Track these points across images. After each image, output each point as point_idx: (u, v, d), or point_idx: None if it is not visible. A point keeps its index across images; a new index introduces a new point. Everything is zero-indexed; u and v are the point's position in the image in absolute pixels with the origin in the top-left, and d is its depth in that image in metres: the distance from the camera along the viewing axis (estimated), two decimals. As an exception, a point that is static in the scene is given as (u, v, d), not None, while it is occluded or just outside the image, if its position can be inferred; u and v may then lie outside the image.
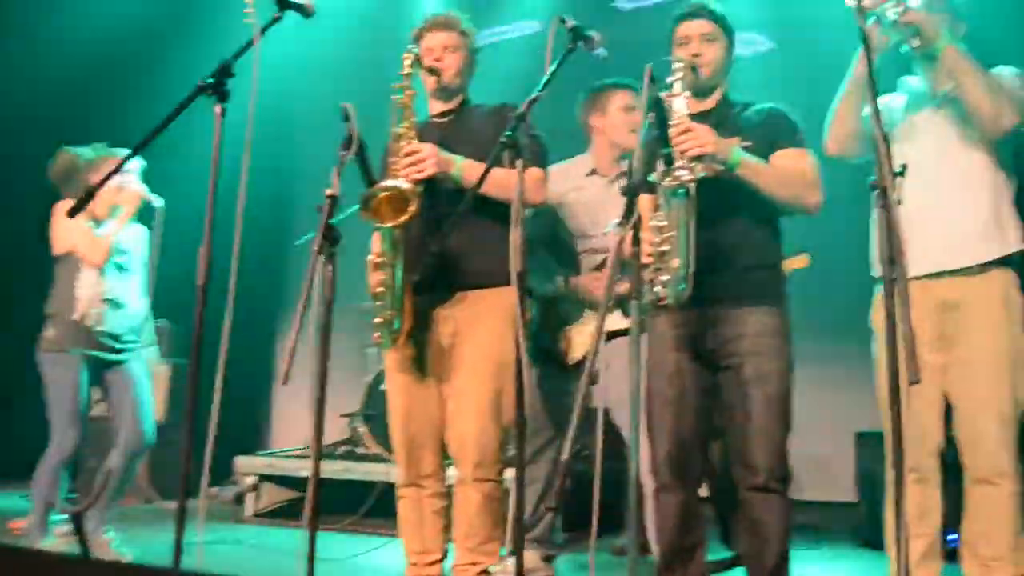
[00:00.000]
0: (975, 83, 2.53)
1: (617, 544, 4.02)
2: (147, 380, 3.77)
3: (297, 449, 5.19)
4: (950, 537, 2.71)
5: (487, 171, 2.18)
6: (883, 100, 2.82)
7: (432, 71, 2.79)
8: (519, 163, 2.14)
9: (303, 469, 4.71)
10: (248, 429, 6.22)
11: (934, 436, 2.63)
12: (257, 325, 6.12)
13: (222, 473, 5.04)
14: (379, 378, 4.85)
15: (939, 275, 2.61)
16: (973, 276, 2.60)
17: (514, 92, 3.08)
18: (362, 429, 4.78)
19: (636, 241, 1.94)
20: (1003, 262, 2.62)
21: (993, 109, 2.52)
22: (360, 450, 4.82)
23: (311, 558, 2.17)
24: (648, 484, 2.96)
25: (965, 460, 2.59)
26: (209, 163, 2.22)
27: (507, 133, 2.14)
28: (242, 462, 4.84)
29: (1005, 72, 2.63)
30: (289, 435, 6.10)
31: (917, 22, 2.56)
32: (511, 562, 3.40)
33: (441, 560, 2.80)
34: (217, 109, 2.23)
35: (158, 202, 3.69)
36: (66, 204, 3.49)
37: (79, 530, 3.44)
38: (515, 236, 2.05)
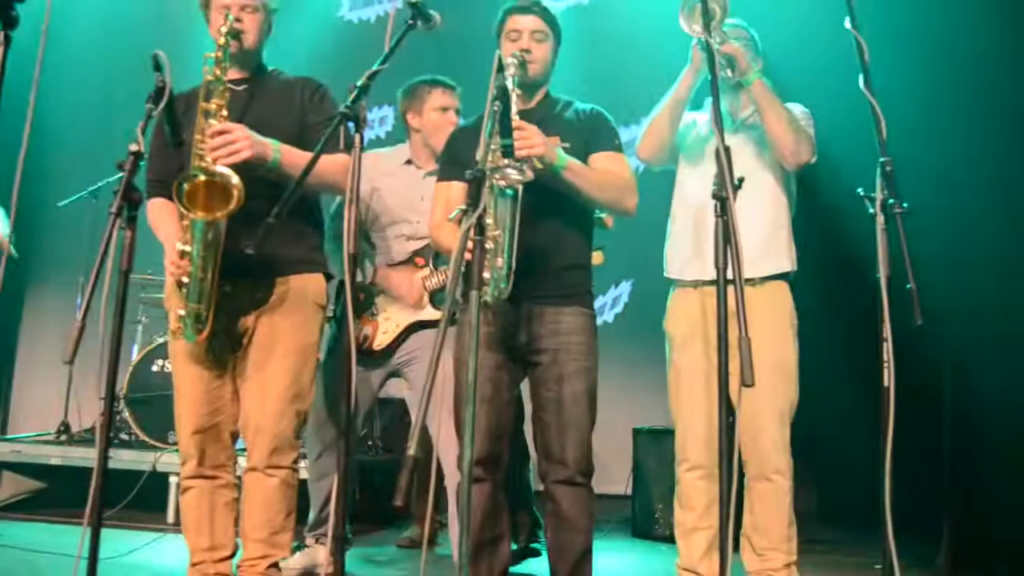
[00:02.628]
0: (779, 117, 2.72)
1: (404, 537, 3.96)
2: None
3: (45, 434, 4.65)
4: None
5: (318, 154, 2.03)
6: (692, 116, 2.97)
7: (234, 35, 2.58)
8: (357, 137, 2.01)
9: (53, 456, 4.25)
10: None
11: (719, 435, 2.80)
12: (-1, 296, 5.44)
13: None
14: (147, 358, 4.46)
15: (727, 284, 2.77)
16: (756, 287, 2.78)
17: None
18: (126, 413, 4.35)
19: (481, 230, 1.89)
20: (782, 276, 2.83)
21: (795, 143, 2.72)
22: (124, 436, 4.39)
23: (93, 559, 1.91)
24: (454, 477, 2.93)
25: (745, 458, 2.77)
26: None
27: (348, 104, 2.01)
28: (-23, 448, 4.27)
29: (796, 109, 2.84)
30: (31, 419, 5.48)
31: (733, 53, 2.73)
32: (299, 557, 3.26)
33: (231, 556, 2.61)
34: (0, 35, 1.92)
35: None
36: None
37: None
38: (350, 214, 1.93)
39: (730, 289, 2.72)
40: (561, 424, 2.48)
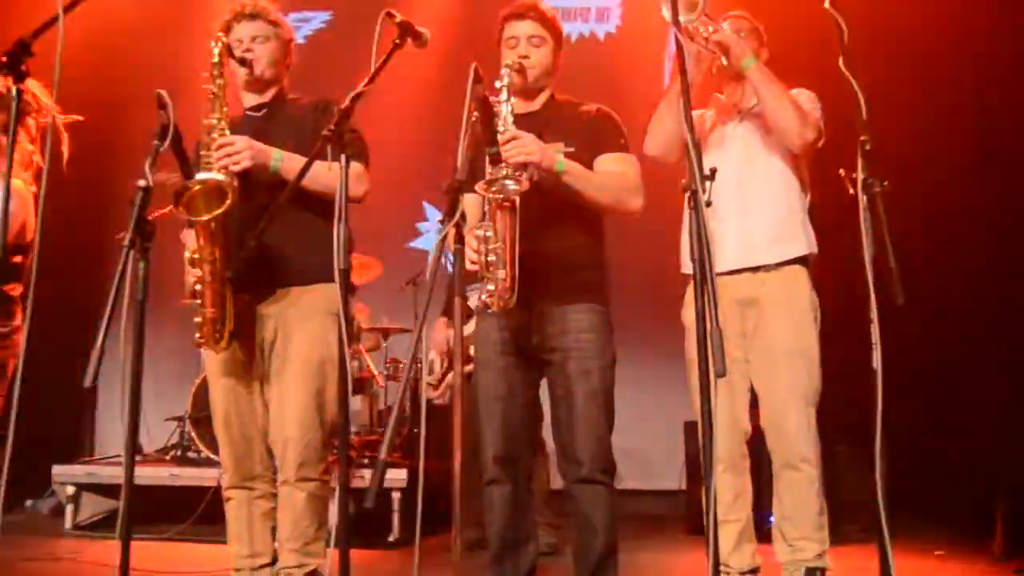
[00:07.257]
0: (779, 101, 2.71)
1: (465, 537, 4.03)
2: None
3: (120, 456, 4.90)
4: (772, 518, 2.84)
5: (308, 163, 2.12)
6: (700, 111, 2.97)
7: (242, 62, 2.70)
8: (343, 157, 2.09)
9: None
10: (69, 436, 5.82)
11: (741, 426, 2.79)
12: (78, 325, 5.74)
13: (41, 485, 4.74)
14: (211, 379, 4.67)
15: (739, 272, 2.77)
16: (771, 273, 2.77)
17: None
18: (192, 432, 4.57)
19: (459, 239, 1.94)
20: (798, 261, 2.81)
21: (796, 125, 2.70)
22: (191, 454, 4.61)
23: (125, 571, 2.04)
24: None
25: (771, 447, 2.76)
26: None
27: (331, 127, 2.09)
28: (59, 471, 4.54)
29: (802, 95, 2.83)
30: (115, 442, 5.77)
31: (726, 43, 2.72)
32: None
33: (271, 564, 2.72)
34: (14, 90, 2.08)
35: None
36: None
37: None
38: (339, 231, 2.01)
39: (743, 278, 2.76)
40: (574, 422, 2.49)
